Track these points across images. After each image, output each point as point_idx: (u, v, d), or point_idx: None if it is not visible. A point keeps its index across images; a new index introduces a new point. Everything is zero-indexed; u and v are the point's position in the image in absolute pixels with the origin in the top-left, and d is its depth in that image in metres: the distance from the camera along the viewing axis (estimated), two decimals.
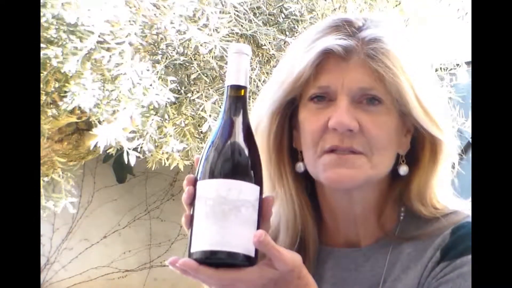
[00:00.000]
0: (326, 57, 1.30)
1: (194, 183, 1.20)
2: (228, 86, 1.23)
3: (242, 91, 1.22)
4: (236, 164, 1.18)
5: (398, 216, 1.36)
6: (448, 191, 1.36)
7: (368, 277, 1.34)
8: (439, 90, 1.37)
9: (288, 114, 1.35)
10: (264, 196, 1.21)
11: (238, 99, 1.22)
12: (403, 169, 1.34)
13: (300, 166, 1.35)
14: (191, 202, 1.19)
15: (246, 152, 1.20)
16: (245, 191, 1.17)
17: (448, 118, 1.36)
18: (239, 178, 1.18)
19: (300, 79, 1.30)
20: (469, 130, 3.21)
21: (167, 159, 3.08)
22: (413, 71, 1.30)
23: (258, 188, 1.19)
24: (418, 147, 1.34)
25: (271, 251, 1.17)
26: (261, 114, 1.35)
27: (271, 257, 1.18)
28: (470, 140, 1.25)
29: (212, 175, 1.18)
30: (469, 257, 1.26)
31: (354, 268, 1.35)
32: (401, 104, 1.29)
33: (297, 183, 1.36)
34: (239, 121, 1.21)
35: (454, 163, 1.37)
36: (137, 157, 2.81)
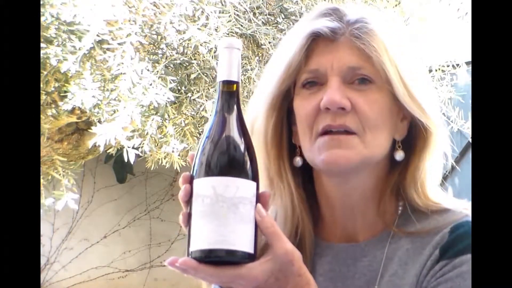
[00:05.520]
0: (314, 41, 1.33)
1: (190, 180, 1.19)
2: (220, 81, 1.22)
3: (234, 86, 1.22)
4: (232, 160, 1.18)
5: (397, 209, 1.36)
6: (438, 188, 1.37)
7: (365, 271, 1.34)
8: (426, 77, 1.38)
9: (285, 109, 1.36)
10: (260, 191, 1.21)
11: (231, 95, 1.21)
12: (399, 155, 1.35)
13: (298, 161, 1.36)
14: (188, 200, 1.19)
15: (241, 147, 1.19)
16: (242, 187, 1.17)
17: (436, 104, 1.37)
18: (236, 174, 1.17)
19: (292, 66, 1.32)
20: (469, 131, 3.22)
21: (164, 158, 3.08)
22: (397, 53, 1.31)
23: (254, 184, 1.19)
24: (414, 134, 1.35)
25: (272, 229, 1.18)
26: (257, 110, 1.35)
27: (271, 237, 1.18)
28: (470, 140, 1.25)
29: (208, 172, 1.18)
30: (468, 256, 1.26)
31: (352, 262, 1.36)
32: (388, 84, 1.31)
33: (295, 177, 1.37)
34: (232, 117, 1.20)
35: (445, 153, 1.38)
36: (138, 156, 2.81)
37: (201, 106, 2.96)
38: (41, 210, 2.98)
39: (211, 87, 2.96)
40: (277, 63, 1.35)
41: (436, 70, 3.52)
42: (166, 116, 2.96)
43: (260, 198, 1.19)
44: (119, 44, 2.61)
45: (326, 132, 1.30)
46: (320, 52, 1.32)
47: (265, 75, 1.38)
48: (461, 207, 1.34)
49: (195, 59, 2.91)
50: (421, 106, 1.32)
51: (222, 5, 2.81)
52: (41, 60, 2.68)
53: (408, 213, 1.35)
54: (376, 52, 1.30)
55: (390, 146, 1.34)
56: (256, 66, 3.01)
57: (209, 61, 2.88)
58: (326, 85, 1.31)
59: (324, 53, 1.32)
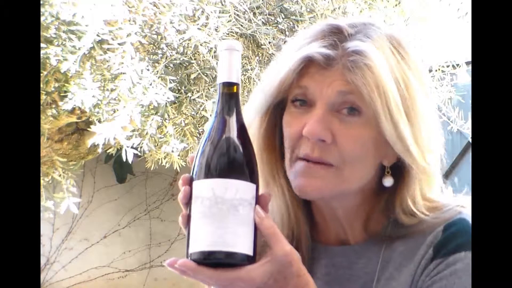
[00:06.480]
0: (309, 62, 1.30)
1: (190, 182, 1.19)
2: (220, 83, 1.22)
3: (235, 87, 1.22)
4: (232, 162, 1.18)
5: (388, 217, 1.35)
6: (431, 199, 1.35)
7: (361, 274, 1.34)
8: (426, 112, 1.31)
9: (278, 115, 1.36)
10: (260, 193, 1.21)
11: (231, 96, 1.22)
12: (388, 181, 1.33)
13: None
14: (188, 202, 1.19)
15: (241, 149, 1.19)
16: (242, 189, 1.17)
17: (430, 141, 1.31)
18: (235, 176, 1.17)
19: (284, 84, 1.31)
20: (469, 131, 3.22)
21: (164, 158, 3.08)
22: (393, 92, 1.26)
23: (254, 186, 1.19)
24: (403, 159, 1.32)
25: (271, 230, 1.18)
26: (251, 116, 1.35)
27: (271, 238, 1.18)
28: (470, 140, 1.25)
29: (207, 174, 1.18)
30: (462, 254, 1.27)
31: (347, 265, 1.36)
32: (377, 119, 1.27)
33: (288, 181, 1.36)
34: (232, 118, 1.20)
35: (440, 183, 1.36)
36: (137, 156, 2.81)
37: (201, 106, 2.96)
38: (41, 211, 2.98)
39: (211, 87, 2.96)
40: (273, 77, 1.34)
41: (436, 70, 3.52)
42: (166, 116, 2.96)
43: (259, 200, 1.19)
44: (119, 44, 2.61)
45: (304, 158, 1.29)
46: (312, 75, 1.30)
47: (262, 84, 1.38)
48: (455, 205, 1.34)
49: (195, 59, 2.91)
50: (409, 150, 1.28)
51: (222, 5, 2.81)
52: (41, 60, 2.68)
53: (400, 219, 1.34)
54: (370, 90, 1.25)
55: (377, 170, 1.33)
56: (256, 66, 3.01)
57: (209, 61, 2.87)
58: (313, 108, 1.29)
59: (315, 76, 1.30)
